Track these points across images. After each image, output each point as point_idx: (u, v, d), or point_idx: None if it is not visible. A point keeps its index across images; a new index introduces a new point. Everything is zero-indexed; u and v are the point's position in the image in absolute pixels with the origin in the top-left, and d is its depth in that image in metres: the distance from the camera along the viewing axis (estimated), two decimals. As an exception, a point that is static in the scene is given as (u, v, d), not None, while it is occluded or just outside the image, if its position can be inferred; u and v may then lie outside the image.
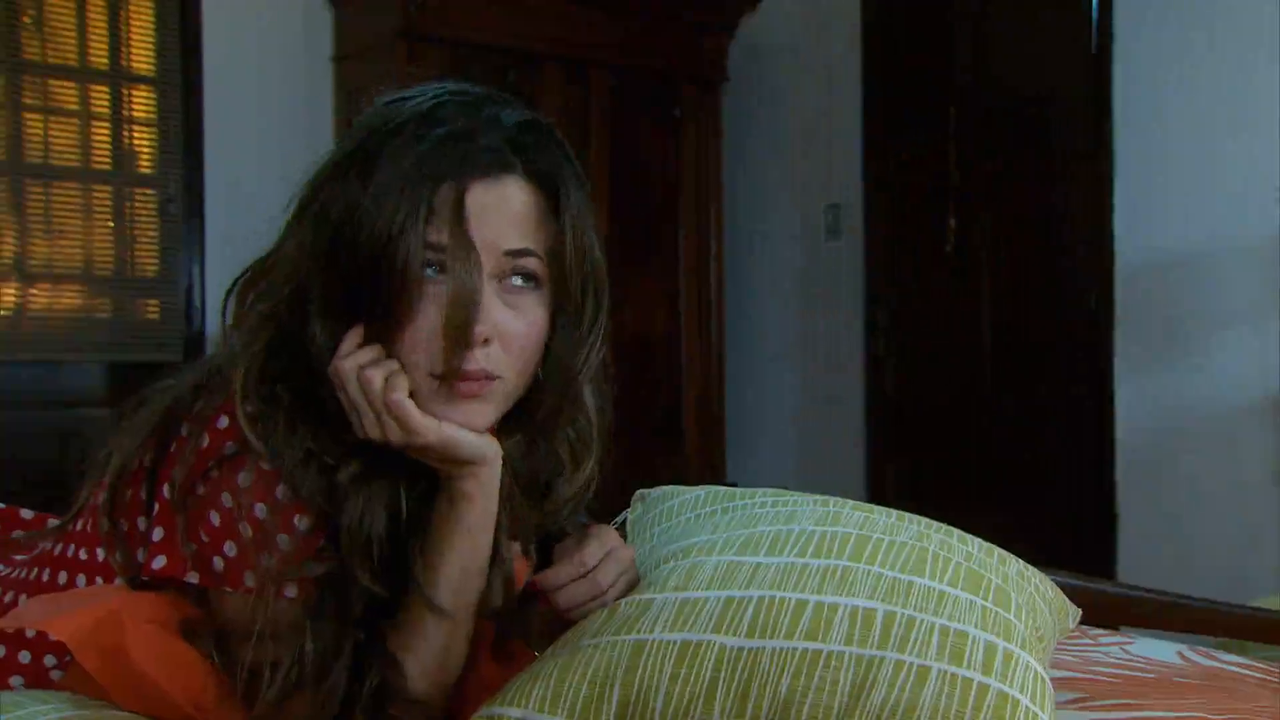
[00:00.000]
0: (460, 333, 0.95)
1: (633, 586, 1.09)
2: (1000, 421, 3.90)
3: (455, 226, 0.96)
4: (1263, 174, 3.49)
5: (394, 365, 0.97)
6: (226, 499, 0.99)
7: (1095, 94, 3.83)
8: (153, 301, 4.06)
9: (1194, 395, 3.64)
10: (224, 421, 1.00)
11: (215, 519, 0.99)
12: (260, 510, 0.99)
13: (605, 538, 1.10)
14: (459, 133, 0.98)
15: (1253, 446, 3.51)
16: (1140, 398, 3.77)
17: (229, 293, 1.06)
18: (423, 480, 1.04)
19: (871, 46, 4.20)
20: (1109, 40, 3.81)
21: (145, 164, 4.05)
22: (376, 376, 0.96)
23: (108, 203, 4.00)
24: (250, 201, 3.89)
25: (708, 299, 4.58)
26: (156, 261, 4.05)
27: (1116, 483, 3.81)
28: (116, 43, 4.01)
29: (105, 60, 3.99)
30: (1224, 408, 3.57)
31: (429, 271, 0.96)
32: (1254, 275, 3.50)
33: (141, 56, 4.04)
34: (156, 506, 1.02)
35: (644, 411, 4.36)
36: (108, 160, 4.00)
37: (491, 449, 1.01)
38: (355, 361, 0.97)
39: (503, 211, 0.98)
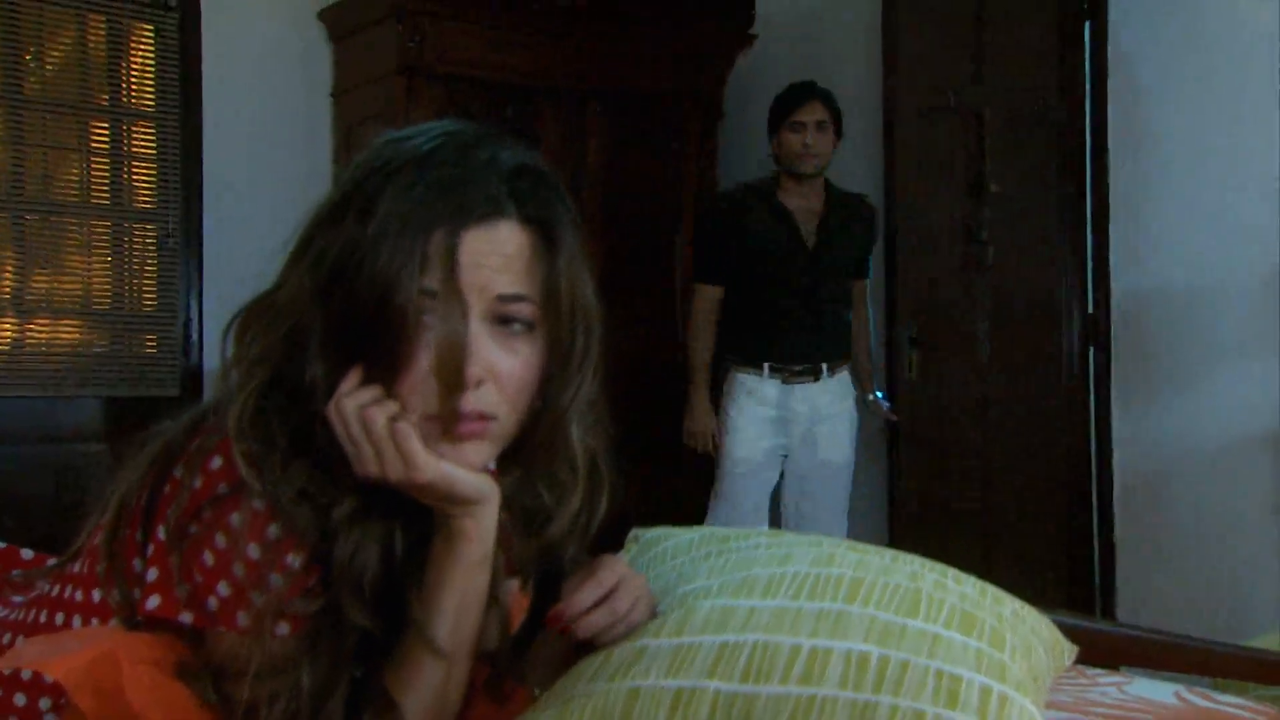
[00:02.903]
0: (453, 377, 0.97)
1: (652, 610, 1.10)
2: (999, 453, 3.88)
3: (446, 275, 0.97)
4: (1259, 207, 3.50)
5: (394, 406, 0.98)
6: (220, 539, 0.99)
7: (1091, 127, 3.85)
8: (150, 336, 4.06)
9: (1191, 429, 3.64)
10: (217, 462, 1.01)
11: (209, 559, 1.00)
12: (253, 550, 0.99)
13: (615, 566, 1.11)
14: (454, 178, 1.00)
15: (1251, 480, 3.50)
16: (1137, 431, 3.77)
17: (227, 330, 1.07)
18: (420, 520, 1.04)
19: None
20: (1104, 70, 3.83)
21: (144, 199, 4.06)
22: (378, 415, 0.98)
23: (106, 237, 4.01)
24: (249, 236, 3.90)
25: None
26: (155, 296, 4.06)
27: (1114, 516, 3.80)
28: (117, 79, 4.03)
29: (106, 96, 4.01)
30: (1222, 441, 3.56)
31: (425, 318, 0.97)
32: (1251, 309, 3.50)
33: (141, 93, 4.06)
34: (151, 547, 1.02)
35: (641, 439, 4.35)
36: (107, 195, 4.01)
37: (489, 488, 1.03)
38: (357, 401, 0.98)
39: (496, 257, 1.00)
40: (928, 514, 3.87)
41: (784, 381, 3.74)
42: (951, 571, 1.15)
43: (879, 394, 3.93)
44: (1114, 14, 3.80)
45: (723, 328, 3.82)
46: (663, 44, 4.51)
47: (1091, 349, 3.84)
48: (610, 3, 4.34)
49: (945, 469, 3.90)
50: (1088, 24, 3.84)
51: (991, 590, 1.15)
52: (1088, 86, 3.84)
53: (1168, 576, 3.68)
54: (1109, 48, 3.81)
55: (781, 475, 3.85)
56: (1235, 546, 3.53)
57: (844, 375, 3.81)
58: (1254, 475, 3.49)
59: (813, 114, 3.74)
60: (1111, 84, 3.81)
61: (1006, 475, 3.83)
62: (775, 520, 3.91)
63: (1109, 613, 3.74)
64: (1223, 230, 3.57)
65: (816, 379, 3.74)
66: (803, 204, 3.78)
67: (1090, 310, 3.84)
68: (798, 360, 3.74)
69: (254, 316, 1.05)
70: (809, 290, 3.74)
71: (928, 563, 1.16)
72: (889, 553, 1.17)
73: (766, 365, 3.74)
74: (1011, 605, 1.14)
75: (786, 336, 3.74)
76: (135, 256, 4.06)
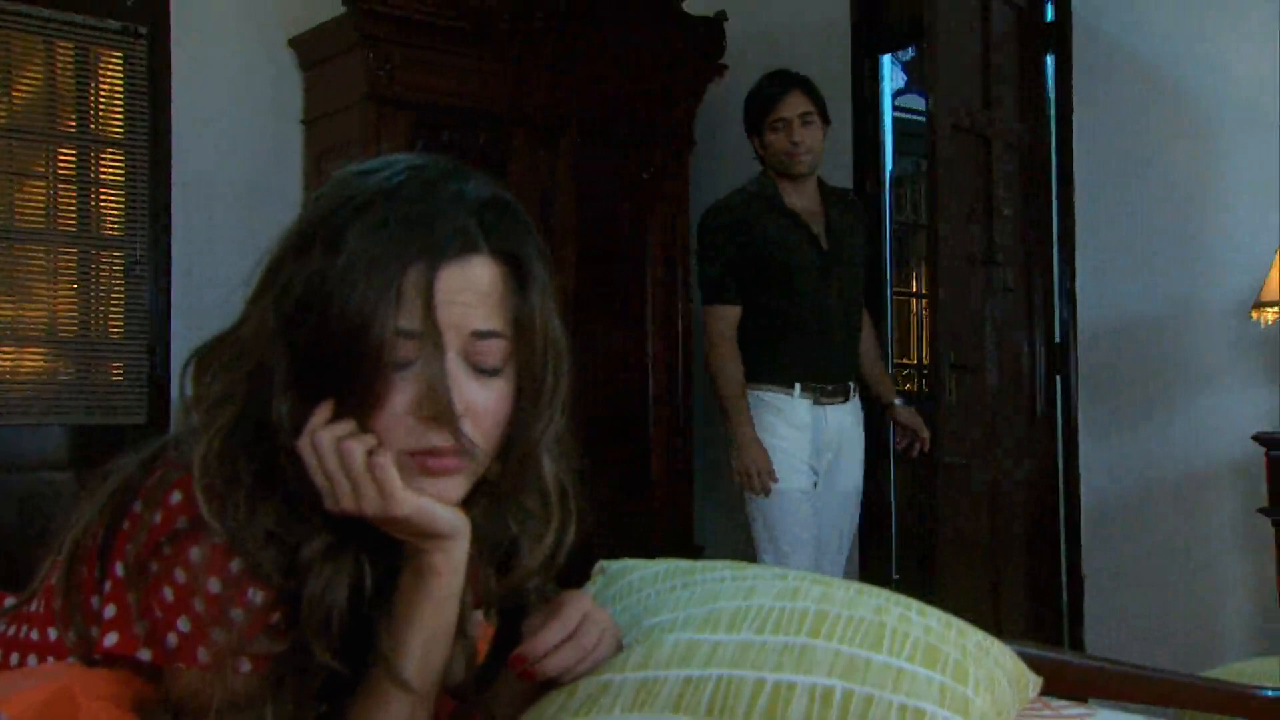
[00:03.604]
0: (440, 413, 0.97)
1: (617, 644, 1.10)
2: (1005, 480, 3.83)
3: (425, 313, 0.97)
4: (1225, 237, 3.53)
5: (372, 439, 0.98)
6: (180, 574, 0.98)
7: (1057, 156, 3.88)
8: (117, 364, 4.02)
9: (1158, 458, 3.66)
10: (177, 497, 1.00)
11: (168, 595, 0.98)
12: (214, 585, 0.98)
13: (579, 602, 1.11)
14: (424, 214, 0.99)
15: (1218, 509, 3.52)
16: (1104, 461, 3.78)
17: (186, 366, 1.06)
18: (387, 554, 1.04)
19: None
20: (1069, 98, 3.86)
21: (112, 226, 4.03)
22: (357, 448, 0.97)
23: (73, 264, 3.98)
24: (218, 263, 3.89)
25: (675, 356, 4.60)
26: (121, 323, 4.03)
27: (1082, 545, 3.81)
28: (85, 105, 4.01)
29: (73, 123, 3.99)
30: (1189, 470, 3.58)
31: (400, 354, 0.97)
32: (1218, 338, 3.53)
33: (110, 119, 4.04)
34: (108, 584, 1.01)
35: (612, 465, 4.36)
36: (74, 222, 3.98)
37: (462, 523, 1.02)
38: (334, 433, 0.98)
39: (470, 292, 1.00)
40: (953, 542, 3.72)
41: (815, 402, 3.37)
42: (916, 604, 1.15)
43: (899, 400, 3.62)
44: (1078, 43, 3.84)
45: (740, 347, 3.42)
46: (634, 72, 4.54)
47: (1058, 377, 3.86)
48: (582, 31, 4.36)
49: (969, 496, 3.77)
50: (1052, 54, 3.89)
51: (956, 623, 1.15)
52: (1053, 114, 3.88)
53: (1136, 605, 3.69)
54: (1074, 77, 3.85)
55: None
56: (1203, 575, 3.55)
57: (856, 395, 3.52)
58: (1221, 504, 3.51)
59: (794, 108, 3.43)
60: (1078, 113, 3.85)
61: (1012, 502, 3.76)
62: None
63: (1077, 642, 3.74)
64: (1190, 260, 3.60)
65: (846, 399, 3.43)
66: (805, 205, 3.47)
67: (1057, 339, 3.87)
68: (830, 379, 3.39)
69: (214, 354, 1.04)
70: (830, 298, 3.41)
71: (893, 595, 1.16)
72: (854, 585, 1.17)
73: (798, 385, 3.36)
74: (975, 637, 1.14)
75: (815, 352, 3.38)
76: (102, 283, 4.03)
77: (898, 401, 3.60)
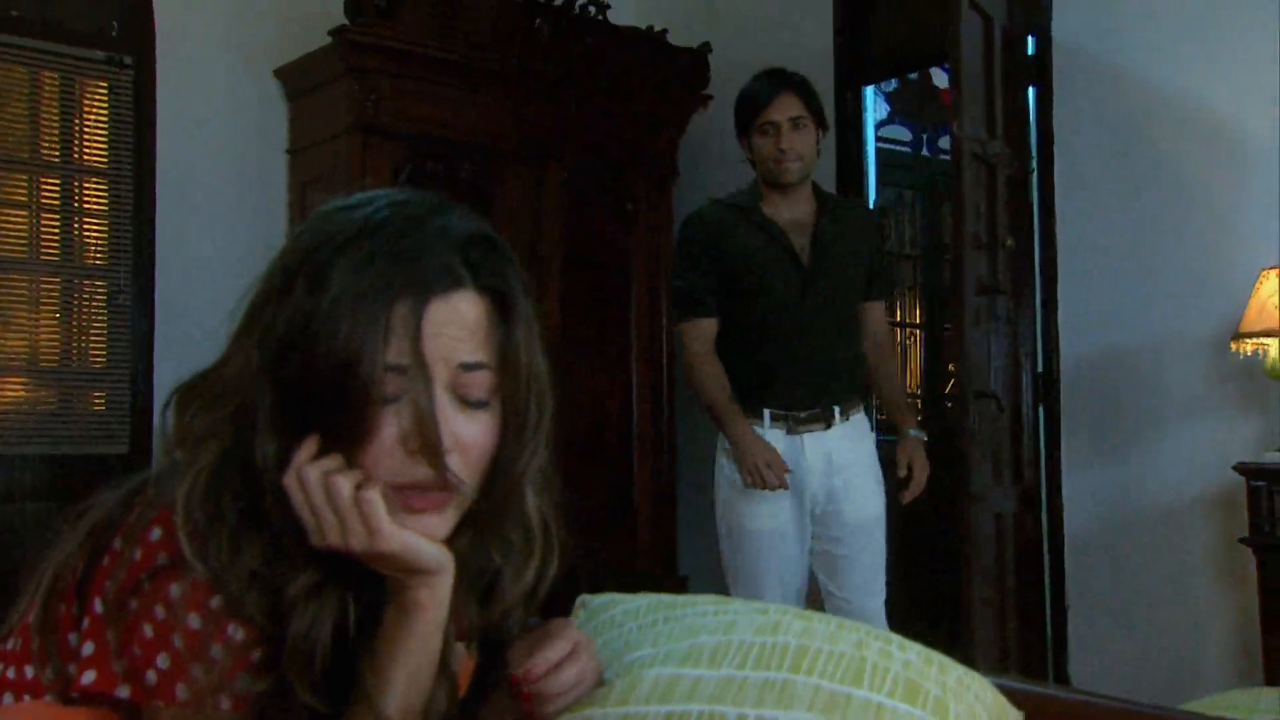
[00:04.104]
0: (425, 448, 0.97)
1: (599, 679, 1.10)
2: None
3: (413, 347, 0.98)
4: (1203, 267, 3.55)
5: (359, 474, 0.98)
6: (159, 611, 0.98)
7: (1039, 186, 3.90)
8: (99, 393, 4.01)
9: (1140, 488, 3.67)
10: (157, 534, 1.00)
11: (148, 632, 0.98)
12: (194, 621, 0.98)
13: (568, 631, 1.11)
14: (410, 249, 1.00)
15: (1199, 539, 3.53)
16: (1087, 490, 3.79)
17: (168, 403, 1.06)
18: (369, 590, 1.04)
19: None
20: (1049, 129, 3.89)
21: (96, 255, 4.03)
22: (344, 482, 0.97)
23: (55, 294, 3.97)
24: (202, 293, 3.89)
25: (660, 382, 4.62)
26: (104, 353, 4.02)
27: (1066, 575, 3.81)
28: (70, 135, 4.01)
29: (58, 153, 3.99)
30: (1169, 501, 3.59)
31: (388, 389, 0.98)
32: (1198, 369, 3.55)
33: (95, 149, 4.04)
34: (87, 621, 1.01)
35: (597, 495, 4.36)
36: (56, 251, 3.97)
37: (447, 558, 1.03)
38: (321, 468, 0.98)
39: (456, 326, 1.01)
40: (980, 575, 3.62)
41: (789, 431, 3.12)
42: (897, 639, 1.15)
43: (915, 431, 3.27)
44: (1060, 70, 3.86)
45: None
46: (619, 103, 4.56)
47: (1041, 407, 3.87)
48: (568, 62, 4.38)
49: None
50: (1032, 86, 3.91)
51: (937, 658, 1.15)
52: (1034, 145, 3.90)
53: (1119, 635, 3.69)
54: (1055, 106, 3.88)
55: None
56: (1185, 605, 3.55)
57: (859, 417, 3.24)
58: (1203, 533, 3.52)
59: (785, 110, 3.17)
60: (1060, 142, 3.87)
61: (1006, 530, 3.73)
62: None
63: (1061, 672, 3.74)
64: (1172, 290, 3.62)
65: (828, 425, 3.13)
66: (792, 216, 3.21)
67: (1040, 368, 3.88)
68: (803, 404, 3.12)
69: (196, 391, 1.04)
70: (809, 316, 3.15)
71: (873, 630, 1.16)
72: (834, 620, 1.17)
73: (767, 412, 3.12)
74: (956, 673, 1.14)
75: (788, 375, 3.13)
76: (85, 313, 4.03)
77: (912, 433, 3.25)
